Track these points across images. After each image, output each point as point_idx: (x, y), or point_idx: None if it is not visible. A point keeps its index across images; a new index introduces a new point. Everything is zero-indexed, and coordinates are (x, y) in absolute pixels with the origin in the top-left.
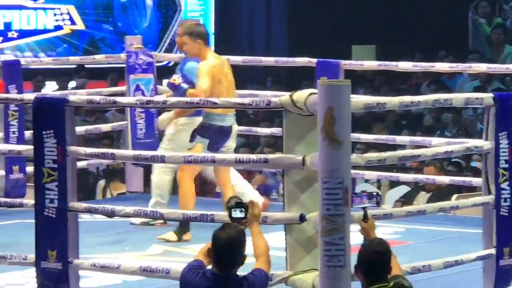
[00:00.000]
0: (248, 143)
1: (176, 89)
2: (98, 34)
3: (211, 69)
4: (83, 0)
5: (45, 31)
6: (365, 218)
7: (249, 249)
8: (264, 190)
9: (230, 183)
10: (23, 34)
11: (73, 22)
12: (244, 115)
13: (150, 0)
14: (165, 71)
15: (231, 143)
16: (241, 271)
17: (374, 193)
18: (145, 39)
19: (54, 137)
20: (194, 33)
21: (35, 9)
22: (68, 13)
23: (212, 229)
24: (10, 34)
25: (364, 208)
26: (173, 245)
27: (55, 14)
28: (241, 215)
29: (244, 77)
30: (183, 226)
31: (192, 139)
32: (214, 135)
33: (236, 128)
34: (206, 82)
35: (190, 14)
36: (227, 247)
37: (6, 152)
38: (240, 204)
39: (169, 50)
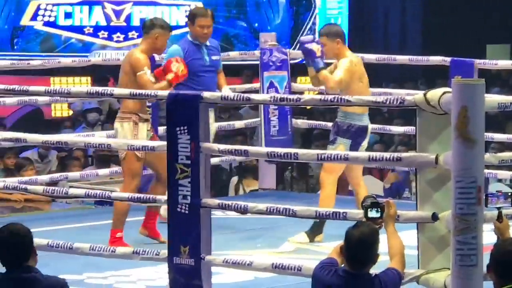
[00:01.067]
0: (383, 141)
1: (310, 58)
2: (232, 30)
3: (352, 66)
4: None
5: (177, 27)
6: (499, 218)
7: (382, 247)
8: (397, 188)
9: (363, 182)
10: None
11: None
12: (378, 113)
13: None
14: (299, 69)
15: (366, 142)
16: (375, 270)
17: (510, 193)
18: (277, 36)
19: (187, 133)
20: (332, 33)
21: (168, 5)
22: None
23: (345, 227)
24: None
25: (499, 208)
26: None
27: (186, 11)
28: (377, 215)
29: (380, 75)
30: (317, 227)
31: (333, 141)
32: (354, 135)
33: (371, 128)
34: (343, 75)
35: (329, 12)
36: (360, 245)
37: (139, 148)
38: (376, 204)
39: None
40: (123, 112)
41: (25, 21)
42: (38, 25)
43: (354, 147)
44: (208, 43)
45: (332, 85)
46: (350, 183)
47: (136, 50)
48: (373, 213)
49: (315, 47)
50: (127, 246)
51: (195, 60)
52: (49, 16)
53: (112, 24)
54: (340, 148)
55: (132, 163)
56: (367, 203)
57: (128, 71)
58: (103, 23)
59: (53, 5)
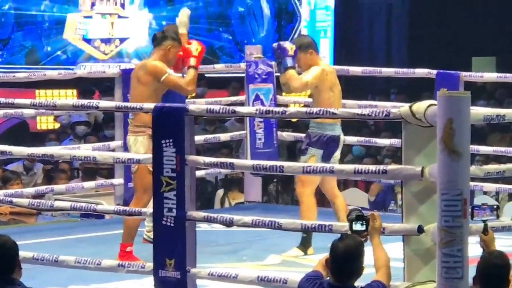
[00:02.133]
0: (370, 154)
1: (281, 56)
2: (217, 43)
3: (323, 75)
4: (196, 9)
5: None
6: (485, 231)
7: (367, 260)
8: (382, 201)
9: (339, 192)
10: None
11: None
12: (365, 125)
13: (268, 10)
14: None
15: (338, 153)
16: (361, 283)
17: (495, 206)
18: (263, 48)
19: (173, 146)
20: (304, 45)
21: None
22: None
23: (330, 240)
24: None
25: (484, 221)
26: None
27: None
28: (362, 228)
29: (365, 88)
30: (306, 240)
31: (304, 151)
32: (326, 145)
33: (343, 138)
34: (310, 79)
35: (318, 24)
36: (345, 257)
37: (125, 161)
38: (361, 217)
39: None
40: (136, 126)
41: (67, 35)
42: (76, 39)
43: (327, 157)
44: None
45: (297, 85)
46: (327, 196)
47: (148, 60)
48: (358, 226)
49: (288, 45)
50: (137, 260)
51: None
52: (83, 29)
53: (108, 36)
54: (312, 158)
55: (144, 177)
56: (352, 216)
57: (148, 81)
58: (105, 35)
59: (85, 17)
